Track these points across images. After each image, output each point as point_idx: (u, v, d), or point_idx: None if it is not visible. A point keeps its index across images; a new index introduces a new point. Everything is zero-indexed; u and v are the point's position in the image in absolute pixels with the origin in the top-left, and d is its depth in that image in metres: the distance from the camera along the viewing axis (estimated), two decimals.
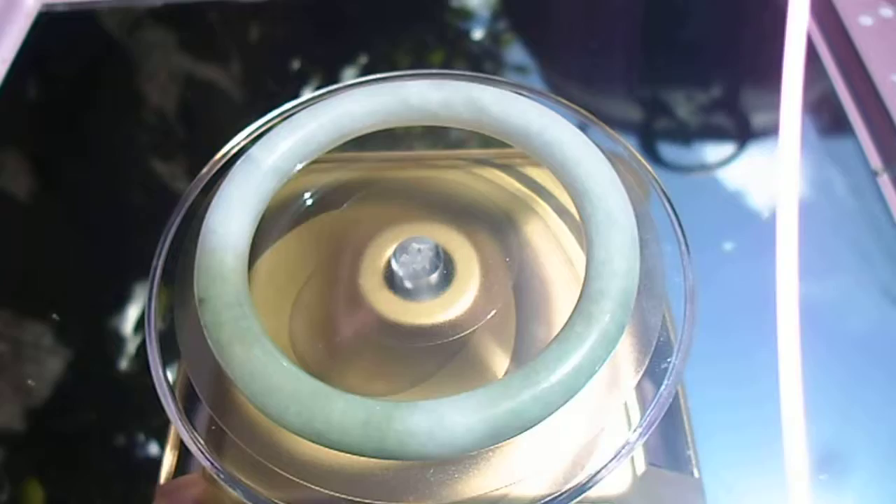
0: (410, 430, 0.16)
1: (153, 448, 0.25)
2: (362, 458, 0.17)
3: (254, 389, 0.17)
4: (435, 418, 0.16)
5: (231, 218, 0.20)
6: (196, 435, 0.19)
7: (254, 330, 0.18)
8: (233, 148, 0.24)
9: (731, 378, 0.25)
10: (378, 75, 0.24)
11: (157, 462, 0.24)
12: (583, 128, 0.22)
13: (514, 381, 0.17)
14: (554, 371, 0.17)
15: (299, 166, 0.22)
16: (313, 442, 0.17)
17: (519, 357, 0.21)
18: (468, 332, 0.21)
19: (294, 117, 0.22)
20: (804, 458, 0.24)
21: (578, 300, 0.18)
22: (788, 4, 0.36)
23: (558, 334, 0.18)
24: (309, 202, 0.25)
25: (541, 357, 0.17)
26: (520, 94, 0.23)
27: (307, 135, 0.21)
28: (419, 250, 0.21)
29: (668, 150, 0.33)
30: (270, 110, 0.25)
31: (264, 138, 0.21)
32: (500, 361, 0.21)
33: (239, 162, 0.21)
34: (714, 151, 0.33)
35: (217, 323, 0.18)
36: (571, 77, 0.38)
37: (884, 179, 0.31)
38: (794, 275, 0.27)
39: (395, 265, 0.21)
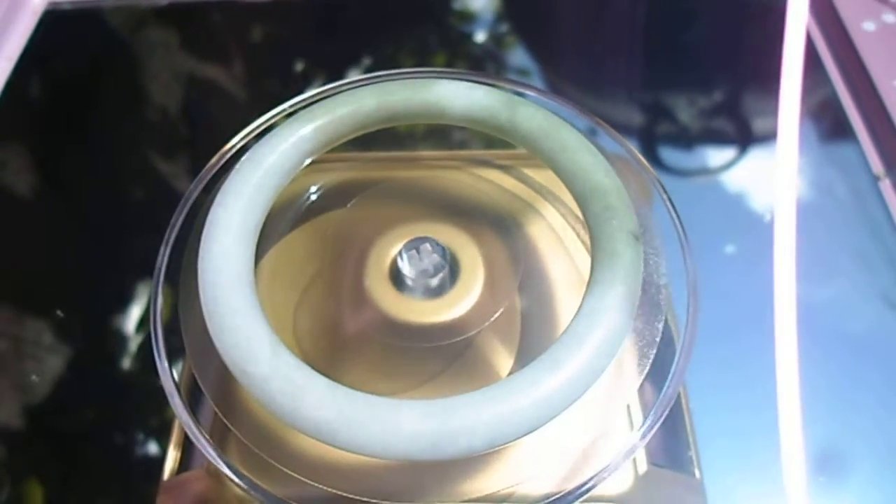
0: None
1: (155, 446, 0.25)
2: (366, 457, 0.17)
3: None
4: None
5: (234, 219, 0.20)
6: (201, 429, 0.19)
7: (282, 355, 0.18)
8: (235, 146, 0.24)
9: (733, 380, 0.25)
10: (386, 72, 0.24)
11: (159, 460, 0.24)
12: (587, 130, 0.22)
13: (514, 382, 0.17)
14: (554, 375, 0.17)
15: (307, 161, 0.22)
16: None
17: (523, 358, 0.21)
18: (473, 332, 0.21)
19: (300, 113, 0.22)
20: (804, 460, 0.24)
21: (581, 303, 0.18)
22: (787, 10, 0.36)
23: (560, 337, 0.18)
24: (313, 201, 0.25)
25: (542, 358, 0.17)
26: (525, 94, 0.23)
27: (311, 130, 0.21)
28: (425, 250, 0.21)
29: (671, 154, 0.33)
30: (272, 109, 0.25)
31: (267, 136, 0.22)
32: (504, 362, 0.21)
33: (241, 160, 0.21)
34: (717, 155, 0.33)
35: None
36: (573, 80, 0.38)
37: (885, 184, 0.31)
38: (792, 279, 0.28)
39: (401, 264, 0.21)
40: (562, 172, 0.21)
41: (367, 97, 0.22)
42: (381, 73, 0.24)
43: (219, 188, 0.21)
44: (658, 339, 0.20)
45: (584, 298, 0.18)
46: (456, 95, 0.22)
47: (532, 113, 0.22)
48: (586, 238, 0.21)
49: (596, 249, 0.19)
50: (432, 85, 0.22)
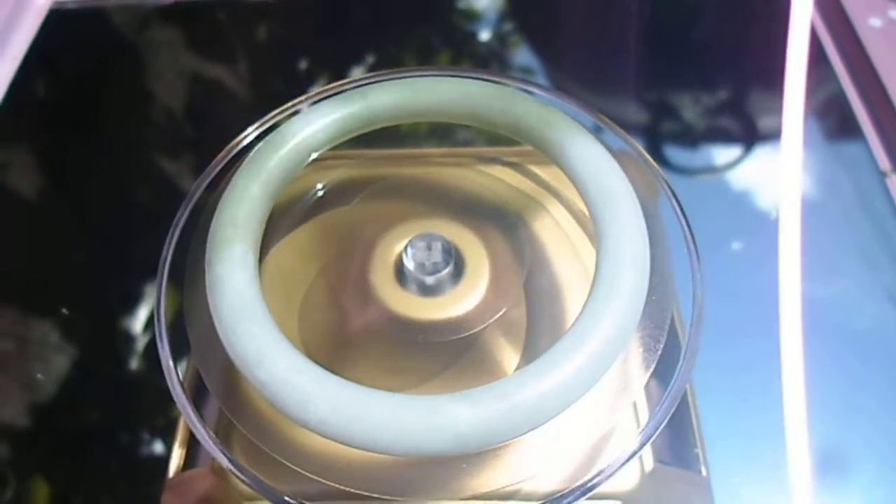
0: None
1: (160, 445, 0.25)
2: (372, 453, 0.17)
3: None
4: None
5: (241, 213, 0.20)
6: (206, 427, 0.19)
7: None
8: (238, 144, 0.24)
9: (739, 377, 0.25)
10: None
11: (164, 458, 0.24)
12: (593, 128, 0.22)
13: (517, 378, 0.17)
14: (557, 371, 0.17)
15: (314, 155, 0.22)
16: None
17: (529, 354, 0.21)
18: (479, 328, 0.21)
19: (310, 109, 0.22)
20: (810, 457, 0.24)
21: (587, 300, 0.18)
22: (792, 6, 0.36)
23: (565, 334, 0.18)
24: (318, 198, 0.25)
25: (545, 356, 0.17)
26: (532, 92, 0.23)
27: (325, 123, 0.21)
28: (431, 246, 0.21)
29: (676, 152, 0.33)
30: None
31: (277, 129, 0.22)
32: (510, 358, 0.21)
33: (247, 160, 0.21)
34: (723, 153, 0.33)
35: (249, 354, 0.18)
36: (578, 78, 0.38)
37: (892, 181, 0.31)
38: (798, 277, 0.27)
39: (406, 260, 0.21)
40: (458, 114, 0.22)
41: (252, 180, 0.21)
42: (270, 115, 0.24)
43: (222, 186, 0.21)
44: (664, 337, 0.20)
45: (588, 297, 0.18)
46: (315, 121, 0.22)
47: (381, 90, 0.22)
48: (593, 233, 0.21)
49: (601, 247, 0.19)
50: (293, 125, 0.22)
